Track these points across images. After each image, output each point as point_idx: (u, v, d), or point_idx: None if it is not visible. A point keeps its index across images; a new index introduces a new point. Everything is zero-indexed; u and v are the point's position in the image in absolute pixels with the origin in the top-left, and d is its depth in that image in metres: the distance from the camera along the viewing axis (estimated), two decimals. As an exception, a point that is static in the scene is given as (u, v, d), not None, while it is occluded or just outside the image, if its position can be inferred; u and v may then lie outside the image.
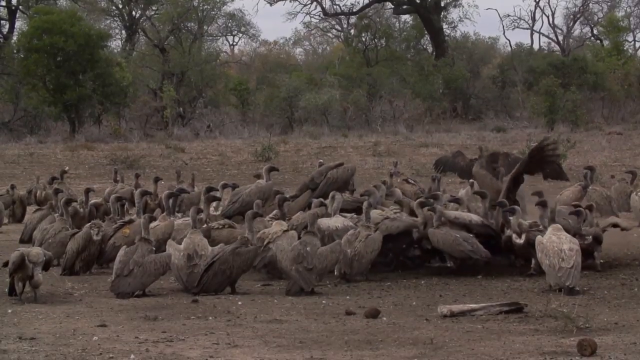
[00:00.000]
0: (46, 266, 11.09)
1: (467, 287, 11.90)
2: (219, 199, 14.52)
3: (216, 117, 45.16)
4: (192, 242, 11.78)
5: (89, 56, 40.80)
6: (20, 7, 49.51)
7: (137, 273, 11.31)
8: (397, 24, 59.18)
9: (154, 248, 11.70)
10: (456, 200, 13.93)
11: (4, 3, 49.92)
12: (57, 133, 41.42)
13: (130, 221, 13.32)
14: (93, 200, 15.49)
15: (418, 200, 13.27)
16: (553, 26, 63.97)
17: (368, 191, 13.31)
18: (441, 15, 54.88)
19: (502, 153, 15.09)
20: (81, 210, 15.07)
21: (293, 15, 59.32)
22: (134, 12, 52.38)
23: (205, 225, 13.01)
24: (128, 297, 11.22)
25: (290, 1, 58.36)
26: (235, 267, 11.50)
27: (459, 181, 20.69)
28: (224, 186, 15.28)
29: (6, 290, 11.24)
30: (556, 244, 11.23)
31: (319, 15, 59.23)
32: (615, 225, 14.03)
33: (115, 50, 50.41)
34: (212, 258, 11.53)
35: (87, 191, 15.76)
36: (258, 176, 17.36)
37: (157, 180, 17.90)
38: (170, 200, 13.99)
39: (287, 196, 13.83)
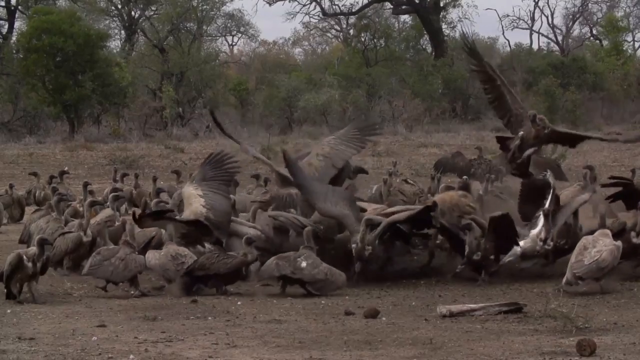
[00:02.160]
0: (43, 268, 11.07)
1: (466, 287, 11.90)
2: None
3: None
4: (171, 248, 11.83)
5: (89, 56, 40.72)
6: (19, 7, 49.47)
7: (119, 265, 11.41)
8: (396, 24, 59.13)
9: (136, 252, 11.75)
10: None
11: (3, 3, 49.85)
12: (57, 133, 41.33)
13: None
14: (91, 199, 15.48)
15: (365, 218, 12.28)
16: (552, 26, 63.98)
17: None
18: (440, 16, 54.84)
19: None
20: (81, 209, 15.03)
21: (292, 16, 59.17)
22: (133, 13, 52.28)
23: None
24: (103, 280, 11.49)
25: (289, 1, 58.08)
26: (214, 264, 11.48)
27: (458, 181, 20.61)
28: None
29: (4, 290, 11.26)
30: (585, 243, 11.31)
31: (318, 16, 59.17)
32: None
33: (115, 51, 50.30)
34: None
35: (86, 185, 15.82)
36: (256, 177, 17.38)
37: (155, 179, 17.86)
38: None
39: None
